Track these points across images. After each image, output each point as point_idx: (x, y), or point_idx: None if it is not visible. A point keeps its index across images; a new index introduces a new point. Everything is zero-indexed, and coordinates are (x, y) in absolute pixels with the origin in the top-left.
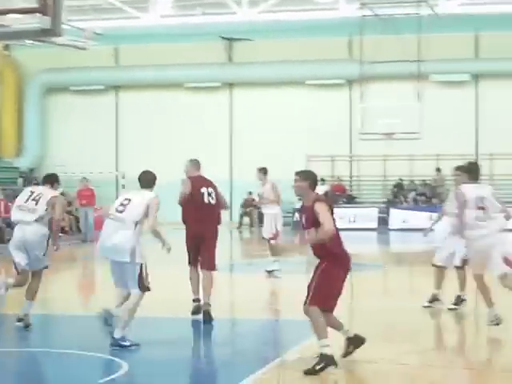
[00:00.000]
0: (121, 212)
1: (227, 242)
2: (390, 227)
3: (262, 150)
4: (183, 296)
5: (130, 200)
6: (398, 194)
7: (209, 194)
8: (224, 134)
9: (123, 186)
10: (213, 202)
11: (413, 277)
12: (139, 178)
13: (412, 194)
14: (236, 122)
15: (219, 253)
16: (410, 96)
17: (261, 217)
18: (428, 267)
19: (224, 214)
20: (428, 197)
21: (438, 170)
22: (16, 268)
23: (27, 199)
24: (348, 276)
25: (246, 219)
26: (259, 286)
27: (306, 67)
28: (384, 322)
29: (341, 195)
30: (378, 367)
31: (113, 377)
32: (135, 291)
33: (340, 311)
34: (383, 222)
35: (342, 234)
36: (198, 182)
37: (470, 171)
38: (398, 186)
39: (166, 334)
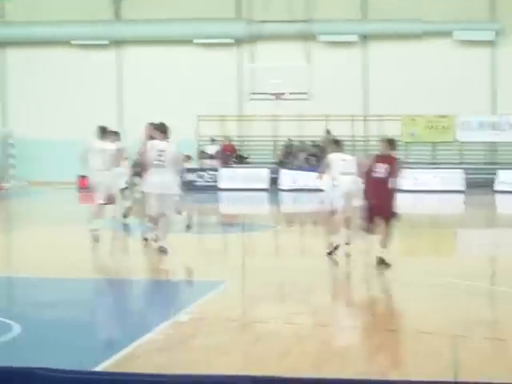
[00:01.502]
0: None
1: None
2: (280, 187)
3: (152, 110)
4: (74, 256)
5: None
6: (288, 155)
7: None
8: (112, 93)
9: (12, 145)
10: None
11: (304, 237)
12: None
13: (302, 155)
14: (125, 80)
15: None
16: (299, 56)
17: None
18: (318, 227)
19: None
20: (318, 157)
21: (328, 131)
22: None
23: None
24: (239, 236)
25: (138, 180)
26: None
27: (194, 25)
28: (276, 282)
29: (231, 155)
30: (270, 327)
31: (5, 338)
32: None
33: (232, 271)
34: (274, 182)
35: (233, 194)
36: None
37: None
38: (288, 147)
39: (57, 295)
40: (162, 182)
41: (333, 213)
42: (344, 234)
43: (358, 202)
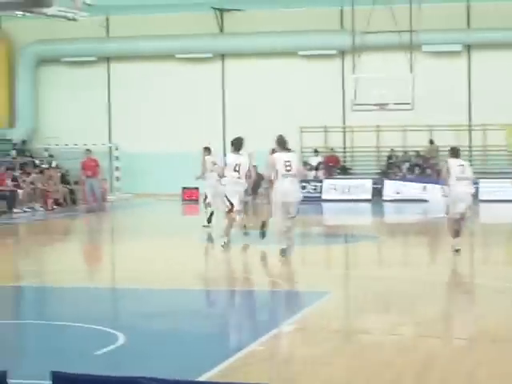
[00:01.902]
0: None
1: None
2: (384, 198)
3: (254, 122)
4: (180, 267)
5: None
6: (392, 165)
7: None
8: (216, 106)
9: (117, 158)
10: None
11: (407, 247)
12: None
13: (406, 165)
14: (228, 93)
15: None
16: (403, 67)
17: (255, 188)
18: (422, 238)
19: None
20: (421, 168)
21: (431, 141)
22: None
23: None
24: (342, 247)
25: None
26: (255, 257)
27: (298, 38)
28: (379, 293)
29: (334, 166)
30: (373, 338)
31: (109, 348)
32: None
33: (336, 281)
34: (377, 193)
35: (336, 205)
36: None
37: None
38: (391, 157)
39: (161, 305)
40: (291, 190)
41: (450, 217)
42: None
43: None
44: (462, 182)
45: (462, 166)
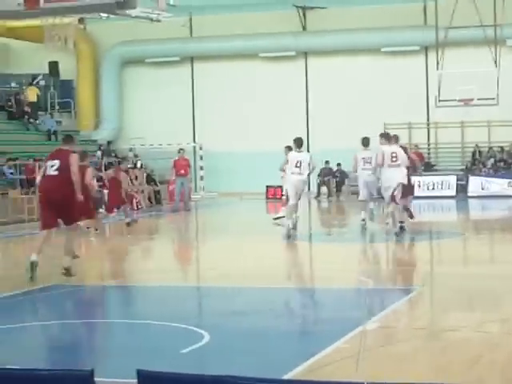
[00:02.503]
0: None
1: (305, 212)
2: (468, 194)
3: (338, 119)
4: (262, 266)
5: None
6: (477, 161)
7: None
8: (300, 104)
9: (201, 157)
10: None
11: (493, 244)
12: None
13: (490, 161)
14: (312, 91)
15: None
16: (487, 61)
17: (339, 186)
18: (508, 234)
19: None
20: (507, 163)
21: None
22: None
23: None
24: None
25: (324, 189)
26: (338, 255)
27: (380, 34)
28: (466, 290)
29: (419, 162)
30: (460, 335)
31: (195, 347)
32: None
33: (421, 278)
34: (462, 189)
35: (421, 201)
36: None
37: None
38: (476, 153)
39: (247, 303)
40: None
41: None
42: None
43: None
44: None
45: None
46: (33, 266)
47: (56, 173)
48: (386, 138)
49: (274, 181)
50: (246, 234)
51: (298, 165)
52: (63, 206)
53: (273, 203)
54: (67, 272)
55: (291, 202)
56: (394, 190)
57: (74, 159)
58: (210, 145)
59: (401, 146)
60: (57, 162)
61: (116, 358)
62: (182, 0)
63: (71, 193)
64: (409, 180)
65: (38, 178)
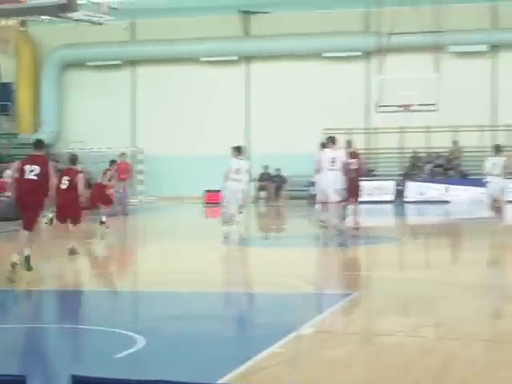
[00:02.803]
0: None
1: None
2: (406, 199)
3: (278, 124)
4: (199, 270)
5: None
6: (415, 167)
7: None
8: (241, 109)
9: (141, 161)
10: None
11: (429, 249)
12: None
13: (428, 167)
14: (253, 95)
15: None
16: (428, 68)
17: (277, 191)
18: (444, 239)
19: None
20: (444, 169)
21: (455, 142)
22: None
23: None
24: (364, 248)
25: (263, 193)
26: (275, 260)
27: (322, 40)
28: (402, 295)
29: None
30: (395, 340)
31: (130, 352)
32: None
33: (357, 283)
34: (400, 194)
35: (360, 206)
36: None
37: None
38: (415, 159)
39: (183, 308)
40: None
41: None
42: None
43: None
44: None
45: (495, 164)
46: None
47: (35, 178)
48: (332, 142)
49: (213, 185)
50: (183, 239)
51: (237, 172)
52: (33, 209)
53: (212, 208)
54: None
55: (227, 209)
56: (336, 194)
57: (52, 166)
58: (151, 149)
59: (353, 152)
60: (36, 168)
61: (50, 363)
62: (124, 3)
63: (43, 198)
64: (357, 184)
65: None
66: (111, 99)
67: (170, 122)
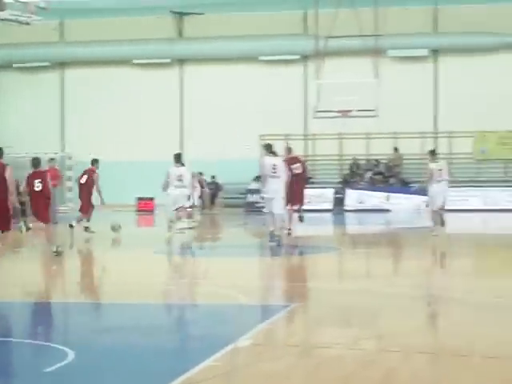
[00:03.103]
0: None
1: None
2: (346, 208)
3: (213, 129)
4: (132, 281)
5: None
6: (354, 174)
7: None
8: (175, 113)
9: (69, 167)
10: None
11: (368, 259)
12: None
13: (368, 174)
14: (187, 100)
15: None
16: (367, 72)
17: (213, 198)
18: (384, 249)
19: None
20: (384, 176)
21: (396, 149)
22: None
23: None
24: (302, 258)
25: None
26: (211, 270)
27: (259, 42)
28: (341, 306)
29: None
30: (335, 352)
31: (59, 365)
32: None
33: (295, 294)
34: (339, 202)
35: (295, 215)
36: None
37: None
38: (354, 166)
39: (115, 320)
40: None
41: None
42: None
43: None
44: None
45: (441, 170)
46: None
47: None
48: (268, 149)
49: (145, 192)
50: (114, 248)
51: (180, 178)
52: None
53: (144, 216)
54: None
55: (170, 215)
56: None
57: (11, 171)
58: (80, 154)
59: (295, 157)
60: None
61: None
62: (53, 3)
63: (5, 201)
64: (302, 189)
65: None
66: (39, 103)
67: (101, 127)
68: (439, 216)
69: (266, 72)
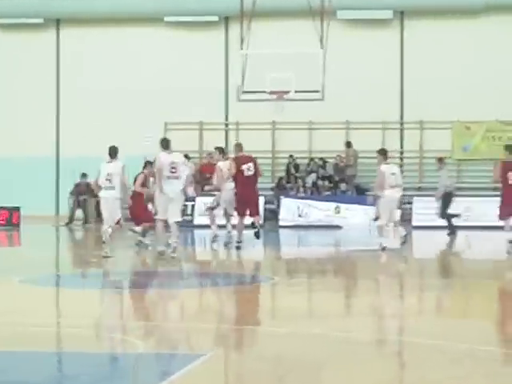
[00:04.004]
0: None
1: (52, 245)
2: (280, 223)
3: (102, 116)
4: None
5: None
6: (292, 178)
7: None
8: (49, 89)
9: None
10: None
11: (311, 292)
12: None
13: (311, 178)
14: (64, 75)
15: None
16: (310, 40)
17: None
18: (331, 280)
19: (51, 206)
20: (333, 181)
21: (348, 144)
22: None
23: None
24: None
25: (79, 212)
26: (98, 305)
27: None
28: (272, 355)
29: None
30: None
31: None
32: None
33: (212, 340)
34: (272, 215)
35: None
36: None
37: None
38: (292, 166)
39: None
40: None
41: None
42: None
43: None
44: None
45: (394, 174)
46: None
47: None
48: (163, 144)
49: (7, 200)
50: None
51: (109, 178)
52: None
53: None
54: None
55: (105, 225)
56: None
57: None
58: None
59: (248, 156)
60: None
61: None
62: None
63: None
64: (255, 194)
65: None
66: None
67: None
68: (395, 233)
69: (174, 38)
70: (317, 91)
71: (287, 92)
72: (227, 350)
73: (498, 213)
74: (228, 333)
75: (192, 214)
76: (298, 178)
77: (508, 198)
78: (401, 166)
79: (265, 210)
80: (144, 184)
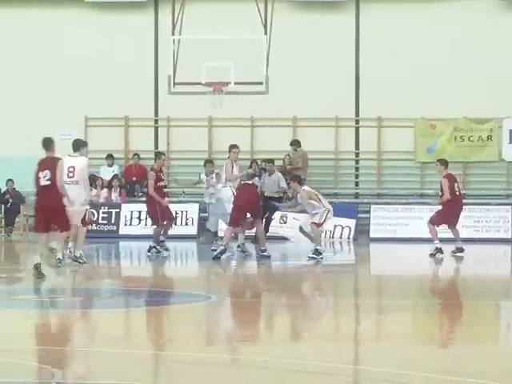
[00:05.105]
0: None
1: None
2: (220, 234)
3: (13, 109)
4: None
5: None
6: None
7: None
8: None
9: None
10: None
11: (253, 313)
12: None
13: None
14: None
15: None
16: (253, 25)
17: (10, 216)
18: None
19: None
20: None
21: (295, 143)
22: None
23: None
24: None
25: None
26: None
27: None
28: None
29: (139, 182)
30: None
31: None
32: None
33: (142, 369)
34: (203, 227)
35: (142, 244)
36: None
37: None
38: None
39: None
40: None
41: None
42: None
43: None
44: None
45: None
46: None
47: None
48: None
49: None
50: None
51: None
52: None
53: None
54: None
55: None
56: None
57: None
58: None
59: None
60: None
61: None
62: None
63: None
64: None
65: None
66: None
67: None
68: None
69: (96, 21)
70: (260, 83)
71: (226, 84)
72: (158, 381)
73: (437, 219)
74: (158, 360)
75: (116, 223)
76: None
77: (456, 208)
78: (356, 168)
79: (200, 218)
80: None
